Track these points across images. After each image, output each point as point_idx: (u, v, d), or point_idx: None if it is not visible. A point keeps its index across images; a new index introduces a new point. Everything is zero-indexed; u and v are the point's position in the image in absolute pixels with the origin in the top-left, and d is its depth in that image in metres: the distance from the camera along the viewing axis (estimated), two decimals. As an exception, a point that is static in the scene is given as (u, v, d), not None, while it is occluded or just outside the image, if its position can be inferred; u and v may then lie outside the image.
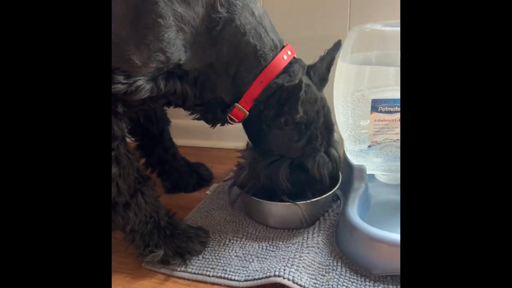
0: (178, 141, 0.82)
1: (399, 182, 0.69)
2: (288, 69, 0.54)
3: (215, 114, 0.58)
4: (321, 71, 0.59)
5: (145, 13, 0.44)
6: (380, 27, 0.58)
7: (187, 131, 1.00)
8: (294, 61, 0.56)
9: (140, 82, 0.46)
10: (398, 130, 0.60)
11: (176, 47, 0.47)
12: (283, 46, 0.55)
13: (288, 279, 0.48)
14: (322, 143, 0.59)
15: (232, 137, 0.93)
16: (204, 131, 1.00)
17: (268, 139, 0.58)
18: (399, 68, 0.56)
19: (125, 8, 0.44)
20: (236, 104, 0.55)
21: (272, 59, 0.53)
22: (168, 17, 0.45)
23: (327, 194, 0.62)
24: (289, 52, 0.55)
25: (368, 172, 0.64)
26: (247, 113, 0.55)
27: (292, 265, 0.50)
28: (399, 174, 0.67)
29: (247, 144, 0.65)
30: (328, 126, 0.60)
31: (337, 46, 0.59)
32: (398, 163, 0.64)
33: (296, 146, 0.57)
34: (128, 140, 0.55)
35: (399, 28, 0.56)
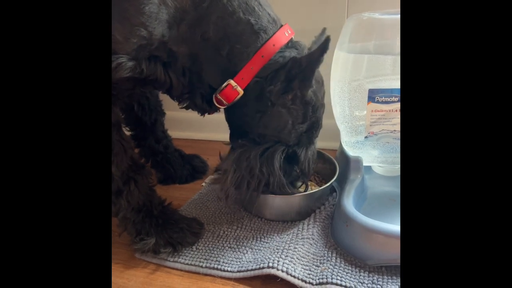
0: (174, 133, 0.81)
1: (395, 174, 0.68)
2: (293, 44, 0.51)
3: (199, 102, 0.53)
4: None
5: None
6: (378, 16, 0.57)
7: (183, 123, 0.99)
8: (294, 41, 0.52)
9: (122, 60, 0.45)
10: (396, 120, 0.59)
11: (158, 21, 0.45)
12: (282, 25, 0.52)
13: (282, 271, 0.47)
14: (317, 136, 0.57)
15: (228, 130, 0.92)
16: (200, 124, 0.99)
17: (266, 120, 0.52)
18: (396, 57, 0.55)
19: None
20: (230, 80, 0.49)
21: (274, 33, 0.49)
22: None
23: (324, 186, 0.61)
24: (289, 31, 0.51)
25: (364, 163, 0.64)
26: (241, 92, 0.50)
27: (286, 256, 0.50)
28: (396, 166, 0.67)
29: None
30: (322, 121, 0.57)
31: (324, 31, 0.57)
32: (395, 155, 0.63)
33: (297, 129, 0.53)
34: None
35: (397, 16, 0.55)
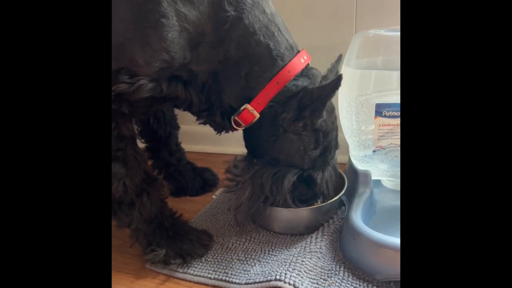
0: (187, 146, 0.83)
1: (405, 188, 0.68)
2: (307, 72, 0.53)
3: (218, 120, 0.55)
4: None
5: (148, 13, 0.44)
6: (383, 32, 0.58)
7: (196, 137, 1.01)
8: (310, 67, 0.54)
9: (142, 81, 0.46)
10: (403, 135, 0.60)
11: (180, 46, 0.46)
12: (299, 50, 0.53)
13: (289, 284, 0.48)
14: (332, 157, 0.58)
15: (240, 143, 0.94)
16: (213, 138, 1.01)
17: (279, 146, 0.54)
18: (400, 71, 0.56)
19: (129, 8, 0.44)
20: (247, 105, 0.52)
21: (290, 60, 0.51)
22: (171, 17, 0.45)
23: (332, 200, 0.61)
24: (305, 57, 0.53)
25: (373, 177, 0.64)
26: (258, 115, 0.52)
27: (294, 269, 0.50)
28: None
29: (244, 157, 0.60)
30: (337, 141, 0.59)
31: (339, 59, 0.59)
32: (404, 169, 0.63)
33: (310, 155, 0.55)
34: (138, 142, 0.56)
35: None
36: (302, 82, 0.52)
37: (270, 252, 0.57)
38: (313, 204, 0.59)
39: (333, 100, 0.59)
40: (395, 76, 0.57)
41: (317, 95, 0.49)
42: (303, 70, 0.52)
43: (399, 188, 0.68)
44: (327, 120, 0.54)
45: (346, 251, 0.54)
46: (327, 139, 0.55)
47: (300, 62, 0.52)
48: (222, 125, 0.56)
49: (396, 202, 0.66)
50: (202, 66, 0.50)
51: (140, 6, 0.44)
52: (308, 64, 0.54)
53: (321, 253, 0.55)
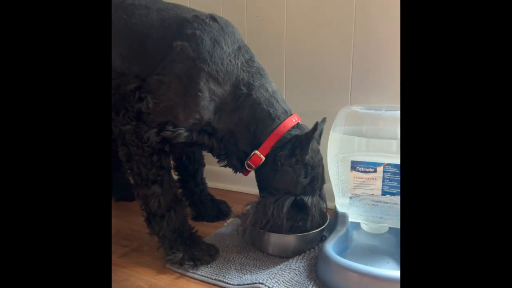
0: (211, 183, 1.03)
1: (379, 232, 0.83)
2: (297, 126, 0.74)
3: (235, 162, 0.77)
4: (316, 135, 0.80)
5: (190, 88, 0.67)
6: (359, 110, 0.78)
7: (218, 176, 1.22)
8: (300, 124, 0.76)
9: (180, 131, 0.69)
10: (373, 186, 0.76)
11: (208, 110, 0.70)
12: (291, 114, 0.76)
13: (268, 287, 0.64)
14: (319, 187, 0.76)
15: (253, 183, 1.13)
16: (232, 177, 1.22)
17: (279, 177, 0.73)
18: (369, 139, 0.75)
19: (178, 85, 0.67)
20: (256, 151, 0.73)
21: (284, 119, 0.73)
22: (205, 92, 0.68)
23: (315, 231, 0.78)
24: (296, 118, 0.75)
25: (351, 219, 0.80)
26: (264, 158, 0.73)
27: (273, 278, 0.66)
28: (377, 224, 0.82)
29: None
30: (324, 178, 0.78)
31: (324, 120, 0.81)
32: (374, 214, 0.79)
33: (302, 183, 0.73)
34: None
35: (371, 111, 0.76)
36: (295, 132, 0.73)
37: (260, 267, 0.73)
38: (303, 228, 0.76)
39: (323, 155, 0.79)
40: (363, 141, 0.76)
41: (304, 139, 0.70)
42: (294, 126, 0.74)
43: (374, 231, 0.83)
44: (313, 157, 0.74)
45: (317, 272, 0.70)
46: (314, 171, 0.74)
47: (291, 121, 0.74)
48: (237, 167, 0.78)
49: (370, 242, 0.81)
50: (222, 125, 0.73)
51: (186, 84, 0.68)
52: (298, 122, 0.76)
53: (298, 271, 0.70)
